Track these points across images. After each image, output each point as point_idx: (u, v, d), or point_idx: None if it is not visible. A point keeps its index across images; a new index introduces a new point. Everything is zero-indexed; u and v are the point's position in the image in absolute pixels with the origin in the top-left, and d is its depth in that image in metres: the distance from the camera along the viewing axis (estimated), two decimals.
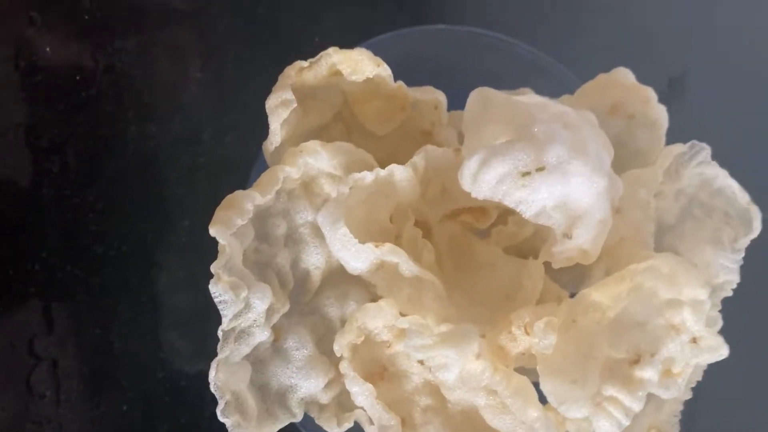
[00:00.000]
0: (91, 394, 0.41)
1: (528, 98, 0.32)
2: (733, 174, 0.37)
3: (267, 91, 0.32)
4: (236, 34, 0.45)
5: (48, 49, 0.42)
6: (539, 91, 0.39)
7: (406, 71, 0.37)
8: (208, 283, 0.29)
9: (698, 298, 0.29)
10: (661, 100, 0.57)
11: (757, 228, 0.37)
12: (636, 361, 0.27)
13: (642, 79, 0.55)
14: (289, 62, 0.33)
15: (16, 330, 0.40)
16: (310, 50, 0.35)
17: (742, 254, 0.37)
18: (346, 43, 0.36)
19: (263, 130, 0.33)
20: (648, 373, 0.27)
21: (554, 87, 0.40)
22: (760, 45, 0.56)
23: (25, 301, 0.41)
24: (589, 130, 0.31)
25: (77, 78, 0.43)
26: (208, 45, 0.45)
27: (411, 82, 0.36)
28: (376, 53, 0.35)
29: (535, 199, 0.29)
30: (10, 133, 0.42)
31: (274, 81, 0.33)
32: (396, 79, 0.35)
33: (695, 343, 0.29)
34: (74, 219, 0.42)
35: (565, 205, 0.29)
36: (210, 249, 0.30)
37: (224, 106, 0.44)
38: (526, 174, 0.29)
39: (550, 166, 0.28)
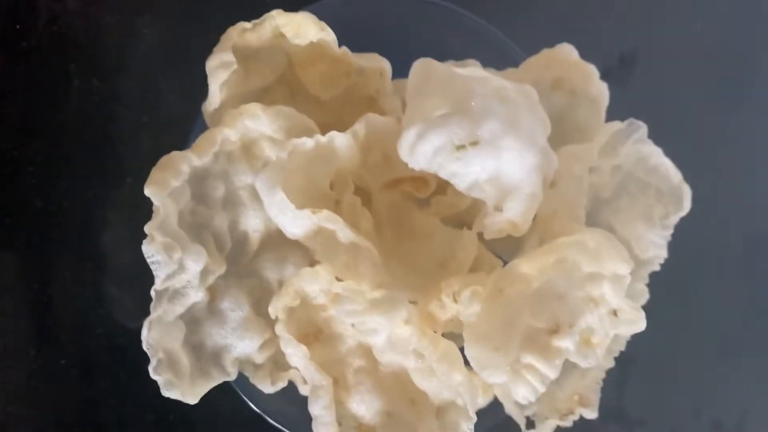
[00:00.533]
0: (28, 348, 0.41)
1: (470, 71, 0.33)
2: (675, 152, 0.38)
3: (212, 49, 0.32)
4: None
5: None
6: (486, 64, 0.39)
7: (353, 37, 0.36)
8: None
9: (619, 273, 0.30)
10: (612, 75, 0.58)
11: (687, 206, 0.39)
12: (555, 331, 0.28)
13: (593, 54, 0.56)
14: (237, 17, 0.33)
15: None
16: (261, 10, 0.35)
17: (671, 231, 0.39)
18: (295, 5, 0.36)
19: (206, 88, 0.33)
20: (565, 343, 0.28)
21: (501, 60, 0.40)
22: (712, 22, 0.57)
23: None
24: (526, 105, 0.32)
25: (17, 27, 0.41)
26: (158, 0, 0.44)
27: (358, 48, 0.36)
28: (322, 17, 0.34)
29: (468, 172, 0.29)
30: None
31: (218, 38, 0.33)
32: (342, 44, 0.35)
33: (614, 316, 0.30)
34: (13, 171, 0.41)
35: (497, 179, 0.30)
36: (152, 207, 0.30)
37: (170, 64, 0.44)
38: (461, 147, 0.29)
39: (483, 141, 0.29)
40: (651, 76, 0.55)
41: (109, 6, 0.43)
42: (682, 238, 0.38)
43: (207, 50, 0.33)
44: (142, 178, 0.30)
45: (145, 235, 0.30)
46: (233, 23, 0.33)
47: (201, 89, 0.33)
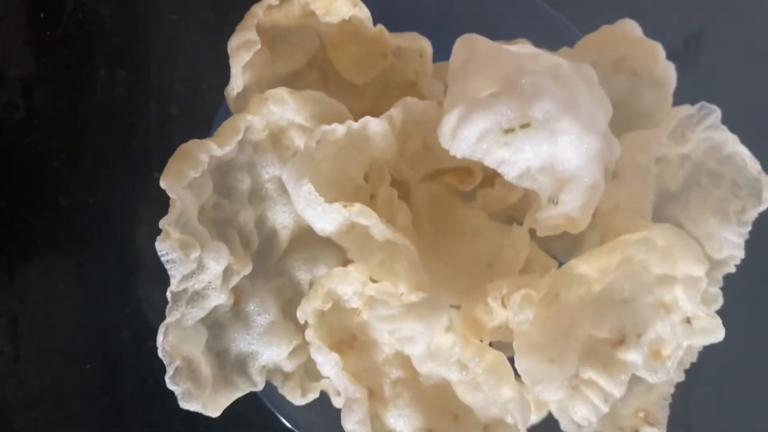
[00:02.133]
0: (53, 351, 0.39)
1: (519, 48, 0.29)
2: (746, 141, 0.34)
3: None
4: None
5: None
6: (537, 44, 0.36)
7: (390, 17, 0.33)
8: None
9: (693, 275, 0.26)
10: (675, 59, 0.53)
11: (767, 200, 0.34)
12: (620, 342, 0.25)
13: (654, 35, 0.51)
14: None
15: None
16: None
17: (749, 228, 0.35)
18: None
19: None
20: (632, 356, 0.25)
21: (555, 41, 0.37)
22: None
23: None
24: (585, 85, 0.28)
25: (41, 15, 0.40)
26: None
27: (396, 29, 0.33)
28: None
29: (518, 159, 0.26)
30: None
31: None
32: (380, 23, 0.32)
33: (688, 324, 0.26)
34: (37, 167, 0.39)
35: (551, 166, 0.26)
36: None
37: (201, 52, 0.41)
38: (510, 131, 0.26)
39: (536, 123, 0.25)
40: (719, 59, 0.50)
41: None
42: (759, 234, 0.34)
43: None
44: None
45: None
46: None
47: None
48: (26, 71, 0.40)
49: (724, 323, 0.28)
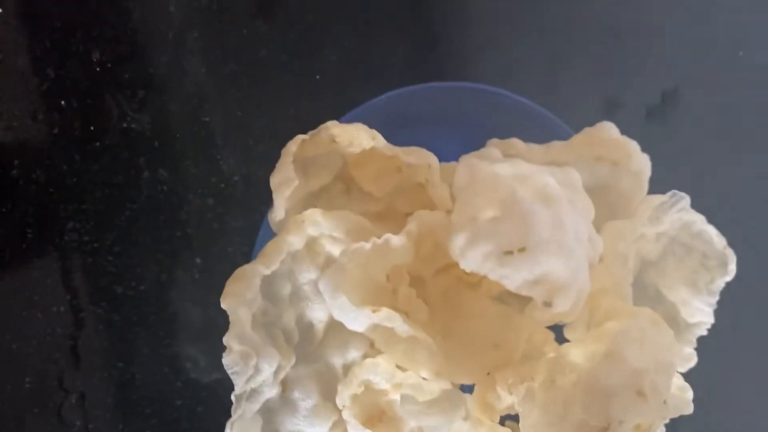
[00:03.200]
0: (117, 422, 0.44)
1: (512, 168, 0.34)
2: (724, 184, 0.39)
3: (269, 131, 0.35)
4: (239, 77, 0.47)
5: (62, 102, 0.44)
6: (529, 139, 0.41)
7: (400, 126, 0.39)
8: (219, 317, 0.32)
9: (665, 362, 0.31)
10: (655, 113, 0.59)
11: (732, 271, 0.40)
12: (605, 428, 0.30)
13: (635, 94, 0.57)
14: (291, 101, 0.36)
15: (46, 367, 0.44)
16: (311, 86, 0.38)
17: (717, 297, 0.40)
18: (346, 79, 0.38)
19: (265, 167, 0.35)
20: None
21: (543, 134, 0.42)
22: (753, 56, 0.57)
23: (54, 340, 0.44)
24: (569, 198, 0.34)
25: (91, 128, 0.45)
26: (213, 89, 0.47)
27: (407, 137, 0.39)
28: (371, 116, 0.37)
29: (516, 276, 0.31)
30: (32, 184, 0.45)
31: (275, 119, 0.36)
32: (393, 132, 0.37)
33: (664, 404, 0.31)
34: (94, 263, 0.45)
35: (545, 279, 0.32)
36: (221, 282, 0.33)
37: (229, 148, 0.47)
38: (509, 253, 0.31)
39: (530, 247, 0.31)
40: (695, 111, 0.55)
41: (172, 97, 0.47)
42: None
43: (264, 130, 0.35)
44: (210, 257, 0.33)
45: (215, 312, 0.33)
46: (282, 102, 0.36)
47: (258, 168, 0.36)
48: (80, 178, 0.45)
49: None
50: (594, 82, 0.54)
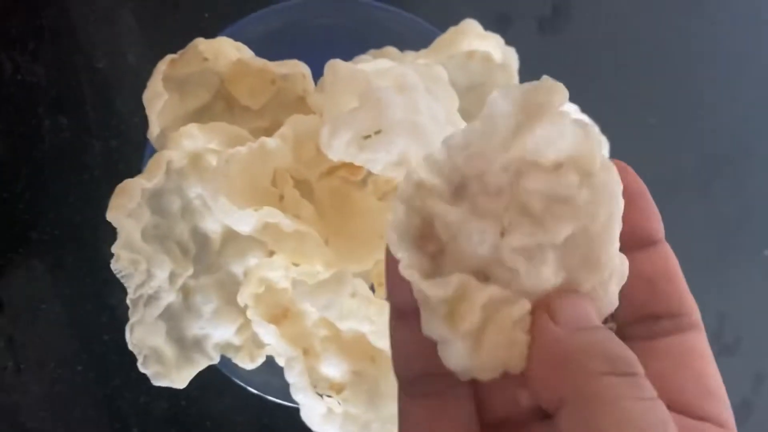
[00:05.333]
0: (47, 360, 0.47)
1: (373, 65, 0.37)
2: (607, 103, 0.42)
3: None
4: (127, 18, 0.48)
5: None
6: (405, 48, 0.44)
7: (289, 39, 0.41)
8: None
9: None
10: (545, 27, 0.61)
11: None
12: None
13: (527, 7, 0.59)
14: (186, 43, 0.38)
15: None
16: (203, 24, 0.40)
17: None
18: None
19: None
20: None
21: (421, 42, 0.44)
22: None
23: None
24: (426, 90, 0.36)
25: None
26: (103, 35, 0.48)
27: (294, 52, 0.41)
28: (251, 29, 0.39)
29: (377, 158, 0.34)
30: None
31: None
32: (279, 48, 0.40)
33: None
34: (7, 211, 0.46)
35: (405, 159, 0.34)
36: None
37: (127, 91, 0.48)
38: (367, 137, 0.33)
39: (384, 129, 0.33)
40: (584, 26, 0.58)
41: (63, 47, 0.48)
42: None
43: None
44: None
45: None
46: (183, 45, 0.38)
47: None
48: None
49: None
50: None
